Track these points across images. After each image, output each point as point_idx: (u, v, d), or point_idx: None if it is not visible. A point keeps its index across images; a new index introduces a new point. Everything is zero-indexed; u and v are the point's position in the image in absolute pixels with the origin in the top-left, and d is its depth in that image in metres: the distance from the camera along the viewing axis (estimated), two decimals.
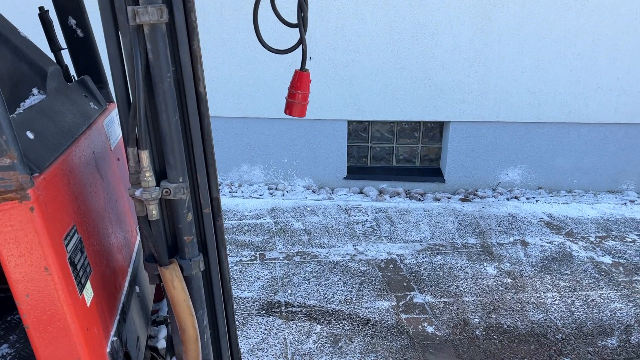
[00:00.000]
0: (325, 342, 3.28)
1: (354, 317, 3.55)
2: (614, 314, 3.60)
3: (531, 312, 3.61)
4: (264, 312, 3.60)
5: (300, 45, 1.73)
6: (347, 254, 4.44)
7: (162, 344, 2.14)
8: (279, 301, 3.73)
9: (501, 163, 6.02)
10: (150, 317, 2.11)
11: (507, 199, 5.82)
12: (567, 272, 4.14)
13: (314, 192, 6.01)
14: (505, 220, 5.12)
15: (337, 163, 6.08)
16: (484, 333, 3.40)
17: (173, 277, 1.38)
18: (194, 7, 1.34)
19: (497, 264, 4.27)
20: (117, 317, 1.51)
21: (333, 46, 5.54)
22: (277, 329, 3.40)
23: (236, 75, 5.67)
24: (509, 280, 4.02)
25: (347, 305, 3.69)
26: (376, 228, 4.95)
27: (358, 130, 6.19)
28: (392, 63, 5.60)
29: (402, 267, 4.22)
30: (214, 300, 1.60)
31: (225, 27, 5.50)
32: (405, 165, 6.34)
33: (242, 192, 5.96)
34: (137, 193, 1.32)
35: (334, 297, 3.79)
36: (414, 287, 3.93)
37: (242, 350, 3.20)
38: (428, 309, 3.67)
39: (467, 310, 3.65)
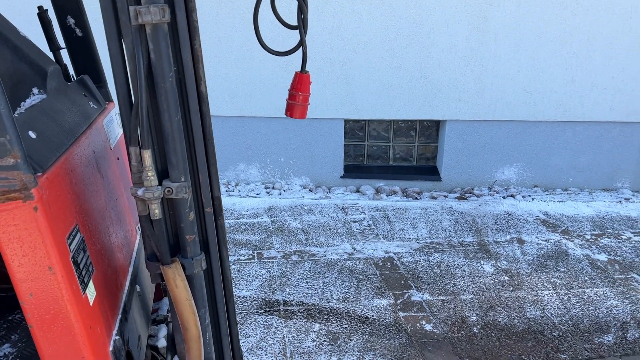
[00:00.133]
0: (324, 341, 3.29)
1: (352, 315, 3.57)
2: (610, 311, 3.63)
3: (528, 310, 3.64)
4: (262, 310, 3.61)
5: (301, 47, 1.74)
6: (345, 252, 4.45)
7: (162, 342, 2.14)
8: (277, 300, 3.74)
9: (497, 161, 6.05)
10: (150, 316, 2.11)
11: (503, 197, 5.85)
12: (563, 269, 4.17)
13: (311, 191, 6.02)
14: (501, 218, 5.15)
15: (334, 162, 6.09)
16: (482, 330, 3.42)
17: (175, 276, 1.39)
18: (195, 7, 1.34)
19: (494, 262, 4.29)
20: (119, 316, 1.51)
21: (330, 45, 5.55)
22: (275, 328, 3.41)
23: (232, 74, 5.67)
24: (506, 278, 4.04)
25: (346, 303, 3.70)
26: (373, 227, 4.96)
27: (355, 129, 6.20)
28: (389, 62, 5.62)
29: (399, 265, 4.24)
30: (216, 298, 1.60)
31: (221, 26, 5.49)
32: (402, 164, 6.36)
33: (239, 191, 5.97)
34: (140, 192, 1.32)
35: (332, 295, 3.80)
36: (412, 285, 3.95)
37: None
38: (426, 307, 3.68)
39: (464, 308, 3.67)
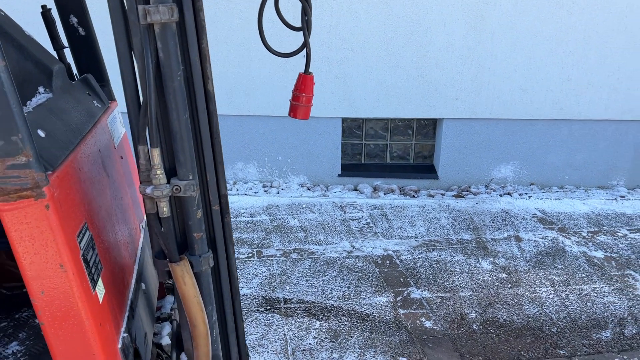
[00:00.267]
0: (325, 338, 3.31)
1: (353, 312, 3.58)
2: (607, 307, 3.66)
3: (526, 306, 3.67)
4: (263, 308, 3.62)
5: (304, 49, 1.74)
6: (344, 250, 4.47)
7: (166, 340, 2.15)
8: (278, 298, 3.75)
9: (494, 160, 6.09)
10: (155, 314, 2.12)
11: (500, 195, 5.89)
12: (560, 266, 4.21)
13: (309, 190, 6.04)
14: (498, 216, 5.18)
15: (332, 160, 6.10)
16: (481, 327, 3.45)
17: (184, 273, 1.40)
18: (203, 7, 1.35)
19: (492, 259, 4.32)
20: (127, 313, 1.52)
21: (327, 44, 5.56)
22: (276, 325, 3.42)
23: (230, 73, 5.67)
24: (504, 275, 4.07)
25: (346, 301, 3.72)
26: (372, 225, 4.98)
27: (352, 127, 6.22)
28: (386, 61, 5.64)
29: (398, 263, 4.26)
30: (223, 296, 1.61)
31: (219, 25, 5.49)
32: (399, 162, 6.39)
33: (237, 189, 5.97)
34: (148, 190, 1.33)
35: (332, 293, 3.82)
36: (411, 282, 3.97)
37: None
38: (425, 304, 3.71)
39: (463, 305, 3.69)
